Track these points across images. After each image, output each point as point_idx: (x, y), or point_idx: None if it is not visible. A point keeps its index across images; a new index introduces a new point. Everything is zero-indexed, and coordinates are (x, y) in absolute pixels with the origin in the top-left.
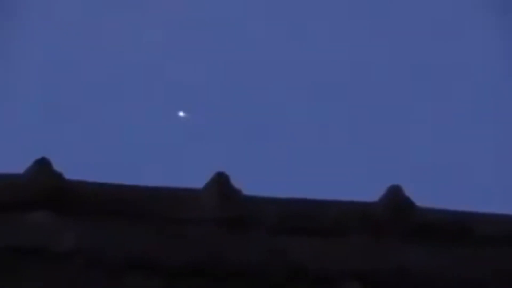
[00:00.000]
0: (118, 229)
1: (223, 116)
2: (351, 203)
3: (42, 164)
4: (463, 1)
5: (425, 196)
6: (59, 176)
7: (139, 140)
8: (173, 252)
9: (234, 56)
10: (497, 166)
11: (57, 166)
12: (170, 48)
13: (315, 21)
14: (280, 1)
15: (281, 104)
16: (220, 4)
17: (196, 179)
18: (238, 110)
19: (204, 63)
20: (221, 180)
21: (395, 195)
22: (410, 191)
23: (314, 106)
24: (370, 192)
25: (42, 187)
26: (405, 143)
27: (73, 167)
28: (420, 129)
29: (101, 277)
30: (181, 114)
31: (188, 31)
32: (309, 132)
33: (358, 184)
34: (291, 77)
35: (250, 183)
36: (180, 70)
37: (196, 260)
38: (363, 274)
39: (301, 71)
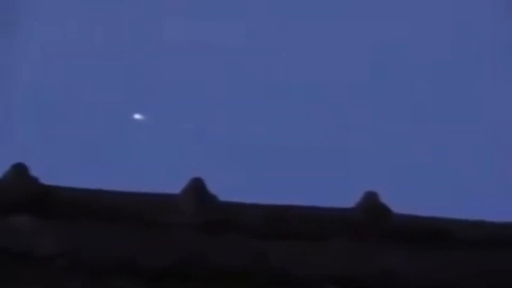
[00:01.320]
0: (98, 233)
1: (179, 117)
2: (330, 209)
3: (19, 169)
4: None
5: (402, 201)
6: (36, 181)
7: (99, 141)
8: (153, 255)
9: (189, 56)
10: (473, 171)
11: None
12: (127, 50)
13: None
14: None
15: (248, 105)
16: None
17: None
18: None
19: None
20: (197, 185)
21: (371, 201)
22: (387, 197)
23: (291, 109)
24: (347, 198)
25: (20, 192)
26: (381, 148)
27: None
28: (395, 133)
29: (82, 280)
30: (137, 116)
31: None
32: (283, 138)
33: (333, 190)
34: (250, 78)
35: (221, 188)
36: (136, 71)
37: (176, 263)
38: (343, 278)
39: (263, 73)
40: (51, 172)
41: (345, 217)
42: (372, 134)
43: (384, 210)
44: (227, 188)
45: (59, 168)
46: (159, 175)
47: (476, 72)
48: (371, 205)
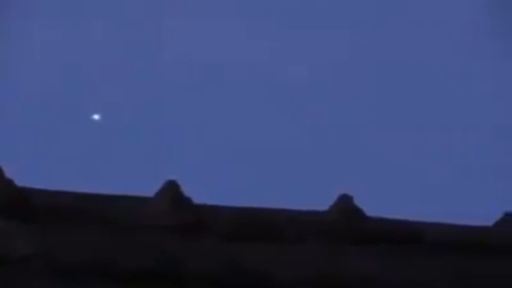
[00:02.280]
0: (73, 236)
1: (140, 118)
2: (303, 211)
3: None
4: None
5: (375, 205)
6: (10, 183)
7: (57, 144)
8: (127, 257)
9: (153, 58)
10: (446, 177)
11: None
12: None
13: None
14: None
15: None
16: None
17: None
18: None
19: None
20: (172, 188)
21: (345, 203)
22: (362, 199)
23: (264, 113)
24: (320, 200)
25: None
26: (355, 153)
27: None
28: (370, 139)
29: (57, 282)
30: (96, 117)
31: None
32: (258, 140)
33: (308, 193)
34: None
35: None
36: (98, 74)
37: (150, 265)
38: (317, 280)
39: (237, 76)
40: (24, 172)
41: (319, 219)
42: (349, 137)
43: (357, 213)
44: (203, 189)
45: (35, 169)
46: (133, 178)
47: (446, 73)
48: (345, 208)
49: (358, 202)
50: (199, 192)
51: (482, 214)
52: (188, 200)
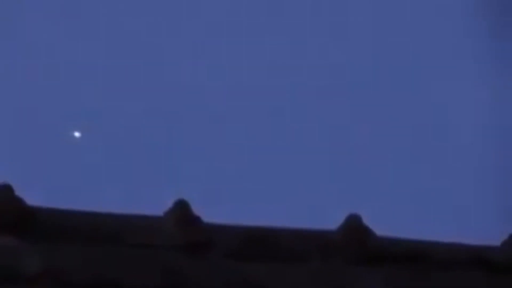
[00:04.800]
0: (81, 254)
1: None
2: (311, 230)
3: (4, 190)
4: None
5: (382, 223)
6: (20, 201)
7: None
8: (136, 277)
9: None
10: (452, 195)
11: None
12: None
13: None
14: None
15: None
16: None
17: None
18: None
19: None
20: (181, 207)
21: (354, 223)
22: (368, 218)
23: (265, 125)
24: (330, 219)
25: (5, 212)
26: (363, 171)
27: None
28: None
29: None
30: (76, 134)
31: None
32: (262, 157)
33: (317, 211)
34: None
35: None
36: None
37: (157, 284)
38: None
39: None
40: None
41: (326, 239)
42: (354, 155)
43: (366, 233)
44: (209, 206)
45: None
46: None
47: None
48: (354, 227)
49: (367, 220)
50: (205, 210)
51: (491, 231)
52: (197, 219)
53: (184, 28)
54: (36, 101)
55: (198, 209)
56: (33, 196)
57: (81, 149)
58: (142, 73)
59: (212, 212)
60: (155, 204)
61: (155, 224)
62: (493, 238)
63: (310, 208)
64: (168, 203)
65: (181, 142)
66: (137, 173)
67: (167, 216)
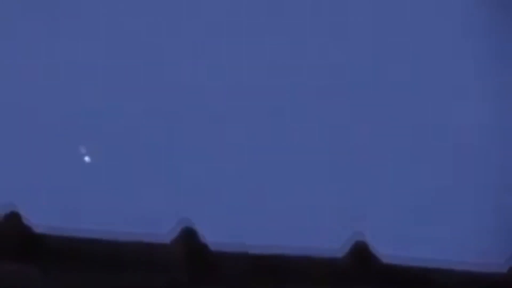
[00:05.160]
0: (89, 280)
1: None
2: (318, 257)
3: (13, 217)
4: None
5: (383, 224)
6: (28, 229)
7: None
8: None
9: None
10: (452, 195)
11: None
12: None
13: None
14: None
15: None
16: None
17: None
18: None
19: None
20: (188, 234)
21: (360, 249)
22: (368, 219)
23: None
24: (330, 219)
25: (12, 239)
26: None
27: None
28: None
29: None
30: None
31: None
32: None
33: (317, 211)
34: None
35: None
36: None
37: None
38: None
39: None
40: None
41: (333, 265)
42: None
43: (373, 258)
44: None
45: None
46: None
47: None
48: (361, 254)
49: (373, 246)
50: (205, 210)
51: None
52: (204, 247)
53: (184, 28)
54: (36, 101)
55: (198, 209)
56: (33, 196)
57: (81, 149)
58: (142, 73)
59: (212, 212)
60: (155, 204)
61: (162, 253)
62: (493, 237)
63: (310, 207)
64: (175, 228)
65: (181, 142)
66: (137, 173)
67: (173, 245)
